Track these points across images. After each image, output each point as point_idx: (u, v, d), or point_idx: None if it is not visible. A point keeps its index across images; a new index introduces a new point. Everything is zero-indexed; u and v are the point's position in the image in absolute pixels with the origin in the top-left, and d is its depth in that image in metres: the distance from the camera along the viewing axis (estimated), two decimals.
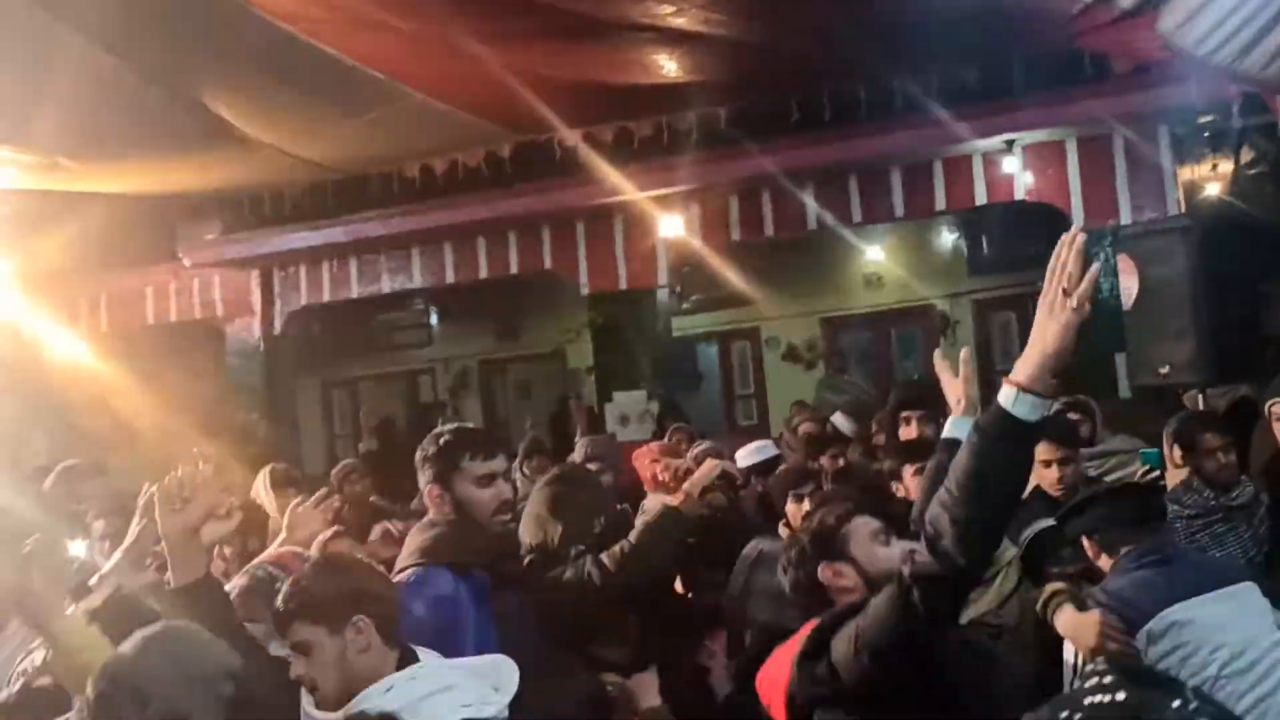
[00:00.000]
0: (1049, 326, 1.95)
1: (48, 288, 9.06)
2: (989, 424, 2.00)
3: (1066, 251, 1.94)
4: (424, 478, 2.78)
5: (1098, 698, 1.22)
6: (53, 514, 4.21)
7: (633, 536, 3.18)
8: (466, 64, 6.07)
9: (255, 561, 3.30)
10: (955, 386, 2.86)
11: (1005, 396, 1.98)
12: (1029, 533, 3.64)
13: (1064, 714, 1.22)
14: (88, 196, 7.83)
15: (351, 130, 7.13)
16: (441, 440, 2.76)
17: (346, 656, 2.17)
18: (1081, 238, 1.95)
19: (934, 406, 4.51)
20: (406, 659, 2.23)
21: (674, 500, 3.36)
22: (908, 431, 4.53)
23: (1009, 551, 3.58)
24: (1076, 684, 1.29)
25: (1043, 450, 3.81)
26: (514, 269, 9.25)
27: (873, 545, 2.45)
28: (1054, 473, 3.83)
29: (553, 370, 12.86)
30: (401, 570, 2.73)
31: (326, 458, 11.47)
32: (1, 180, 7.11)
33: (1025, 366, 1.97)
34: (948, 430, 2.83)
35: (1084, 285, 1.92)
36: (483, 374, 13.43)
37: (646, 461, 4.74)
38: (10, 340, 8.85)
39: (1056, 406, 4.31)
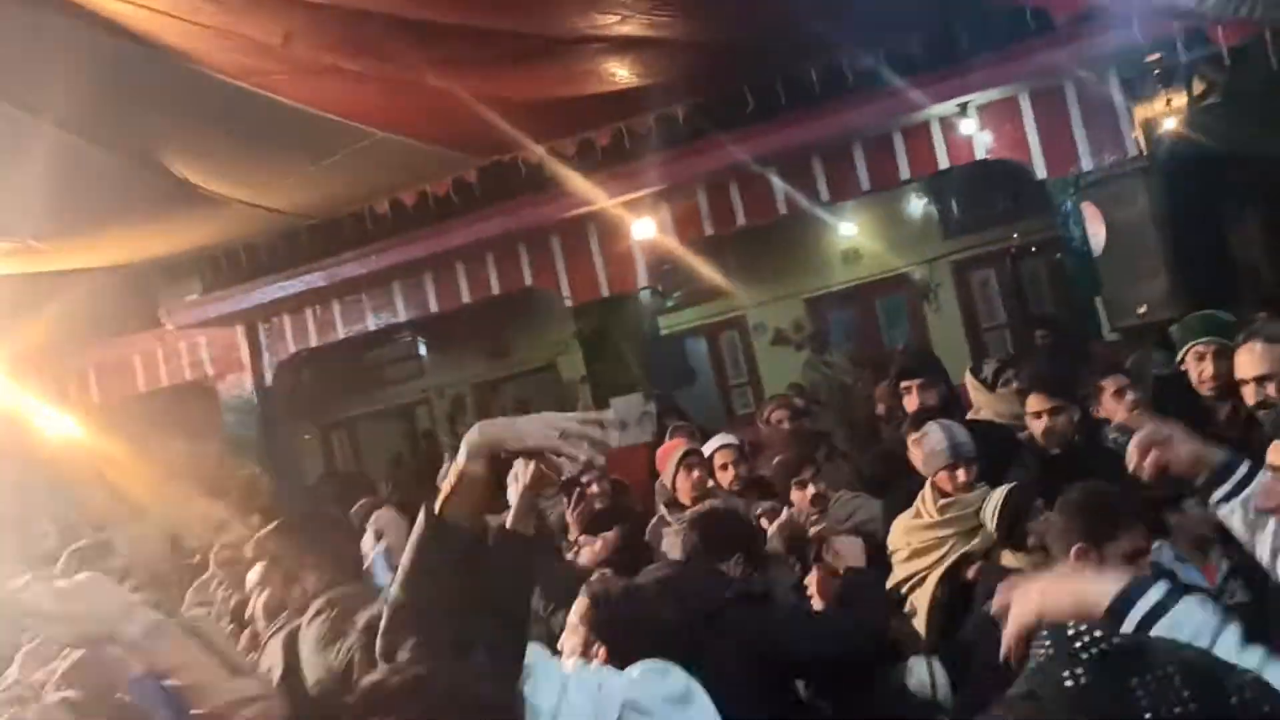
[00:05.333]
0: None
1: (34, 369, 9.08)
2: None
3: None
4: None
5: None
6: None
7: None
8: (421, 96, 6.13)
9: None
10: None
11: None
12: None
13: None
14: (64, 274, 7.86)
15: (317, 176, 7.18)
16: None
17: None
18: None
19: (932, 374, 4.58)
20: None
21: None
22: (910, 402, 4.49)
23: None
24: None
25: (1034, 402, 3.88)
26: (495, 290, 9.30)
27: None
28: (1043, 423, 3.89)
29: (547, 383, 12.92)
30: None
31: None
32: None
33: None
34: None
35: None
36: (477, 396, 13.49)
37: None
38: (6, 427, 8.85)
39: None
